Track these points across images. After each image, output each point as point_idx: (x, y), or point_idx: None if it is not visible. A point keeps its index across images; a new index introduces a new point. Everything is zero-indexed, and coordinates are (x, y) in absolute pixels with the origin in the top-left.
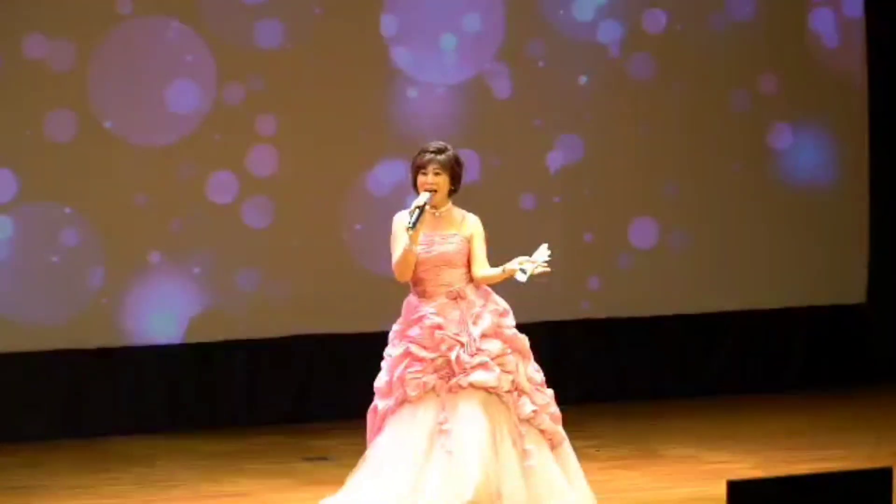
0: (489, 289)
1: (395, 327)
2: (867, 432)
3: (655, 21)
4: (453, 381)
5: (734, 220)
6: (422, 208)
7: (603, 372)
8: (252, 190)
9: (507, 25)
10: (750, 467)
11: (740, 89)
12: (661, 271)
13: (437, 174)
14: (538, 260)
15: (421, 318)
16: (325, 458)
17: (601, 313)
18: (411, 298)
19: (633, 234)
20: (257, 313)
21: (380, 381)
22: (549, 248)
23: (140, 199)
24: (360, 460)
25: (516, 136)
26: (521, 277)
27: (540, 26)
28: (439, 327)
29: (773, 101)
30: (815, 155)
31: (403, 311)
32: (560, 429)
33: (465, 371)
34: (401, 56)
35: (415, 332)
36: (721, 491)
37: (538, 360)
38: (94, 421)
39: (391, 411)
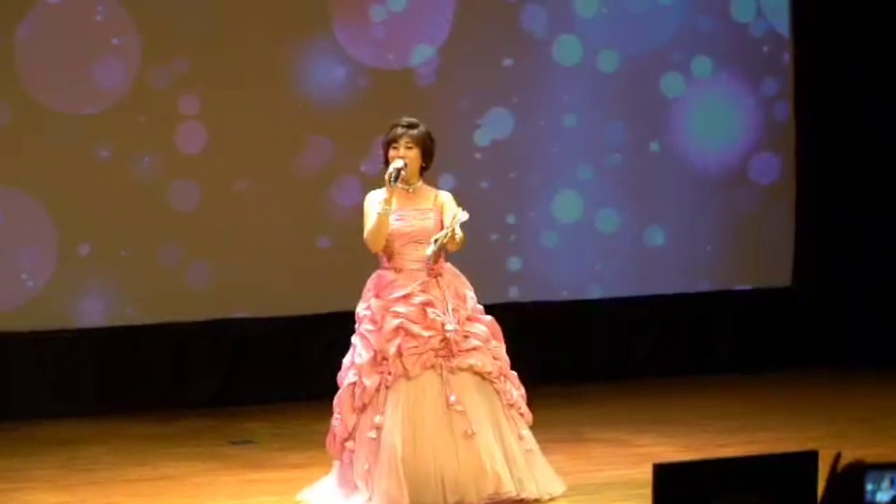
0: (455, 268)
1: (372, 303)
2: (793, 415)
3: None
4: (455, 361)
5: (660, 204)
6: (399, 170)
7: (528, 356)
8: (178, 171)
9: (435, 6)
10: (676, 450)
11: (668, 70)
12: (586, 255)
13: (408, 148)
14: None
15: (409, 296)
16: (250, 442)
17: (526, 297)
18: (385, 273)
19: (558, 215)
20: (182, 296)
21: (361, 358)
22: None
23: (66, 181)
24: (356, 441)
25: (441, 116)
26: (429, 250)
27: (466, 7)
28: (430, 304)
29: (699, 83)
30: (741, 139)
31: (372, 286)
32: (528, 410)
33: (462, 353)
34: (329, 35)
35: (403, 308)
36: (647, 474)
37: None
38: (20, 404)
39: (385, 387)
